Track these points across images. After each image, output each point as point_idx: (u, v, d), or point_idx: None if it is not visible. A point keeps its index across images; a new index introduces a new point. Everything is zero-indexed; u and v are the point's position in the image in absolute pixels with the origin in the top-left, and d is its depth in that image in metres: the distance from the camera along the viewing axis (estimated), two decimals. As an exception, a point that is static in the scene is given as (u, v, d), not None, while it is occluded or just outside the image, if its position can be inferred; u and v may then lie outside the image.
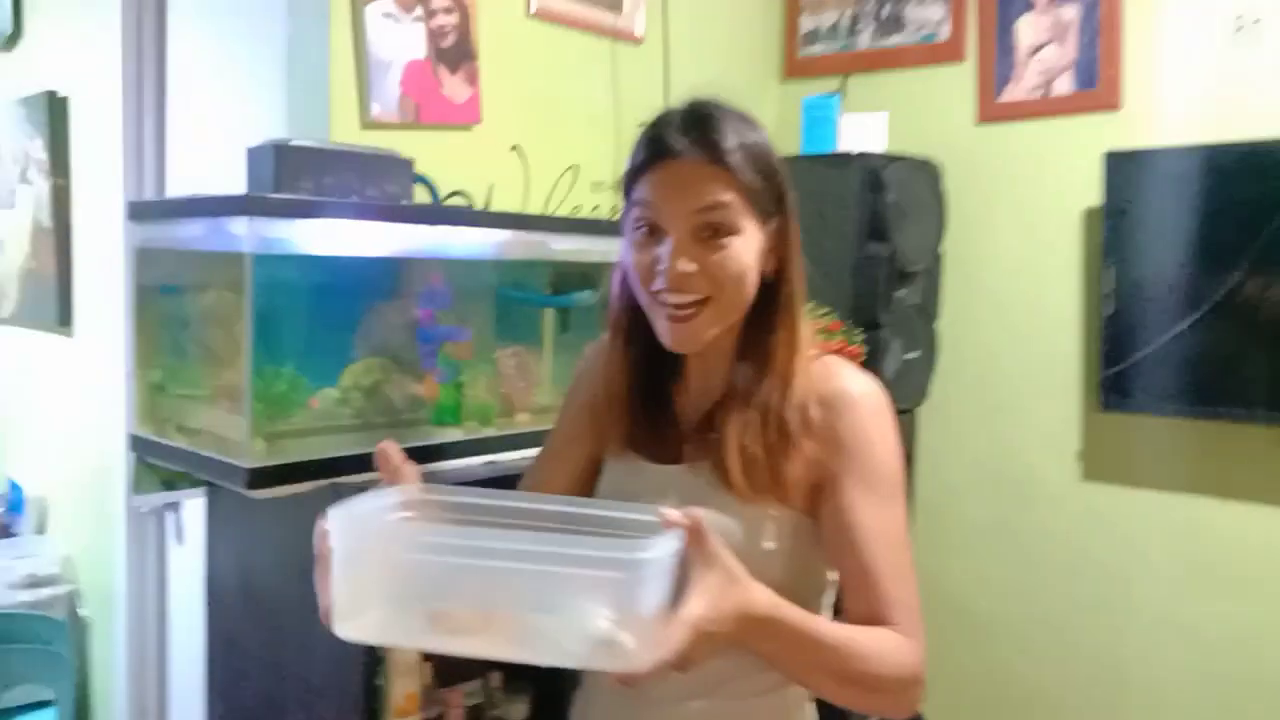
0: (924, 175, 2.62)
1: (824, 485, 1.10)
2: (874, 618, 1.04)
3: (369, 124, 2.01)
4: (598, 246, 1.95)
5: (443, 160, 2.05)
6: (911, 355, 2.66)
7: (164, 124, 2.43)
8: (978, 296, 2.74)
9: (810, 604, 1.08)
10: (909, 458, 2.77)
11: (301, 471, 1.52)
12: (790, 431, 1.09)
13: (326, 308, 1.77)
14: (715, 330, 1.10)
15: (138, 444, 1.69)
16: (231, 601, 1.80)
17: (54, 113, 2.62)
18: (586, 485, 1.25)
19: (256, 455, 1.51)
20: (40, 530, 2.97)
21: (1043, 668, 2.64)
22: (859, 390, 1.12)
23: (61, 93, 2.65)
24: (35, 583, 2.70)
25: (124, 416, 1.76)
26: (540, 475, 1.31)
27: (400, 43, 2.04)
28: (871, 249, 2.49)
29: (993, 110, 2.65)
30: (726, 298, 1.09)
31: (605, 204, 2.41)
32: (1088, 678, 2.59)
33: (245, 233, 1.46)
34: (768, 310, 1.14)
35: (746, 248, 1.09)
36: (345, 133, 1.99)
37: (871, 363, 2.47)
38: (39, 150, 2.66)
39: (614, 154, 2.46)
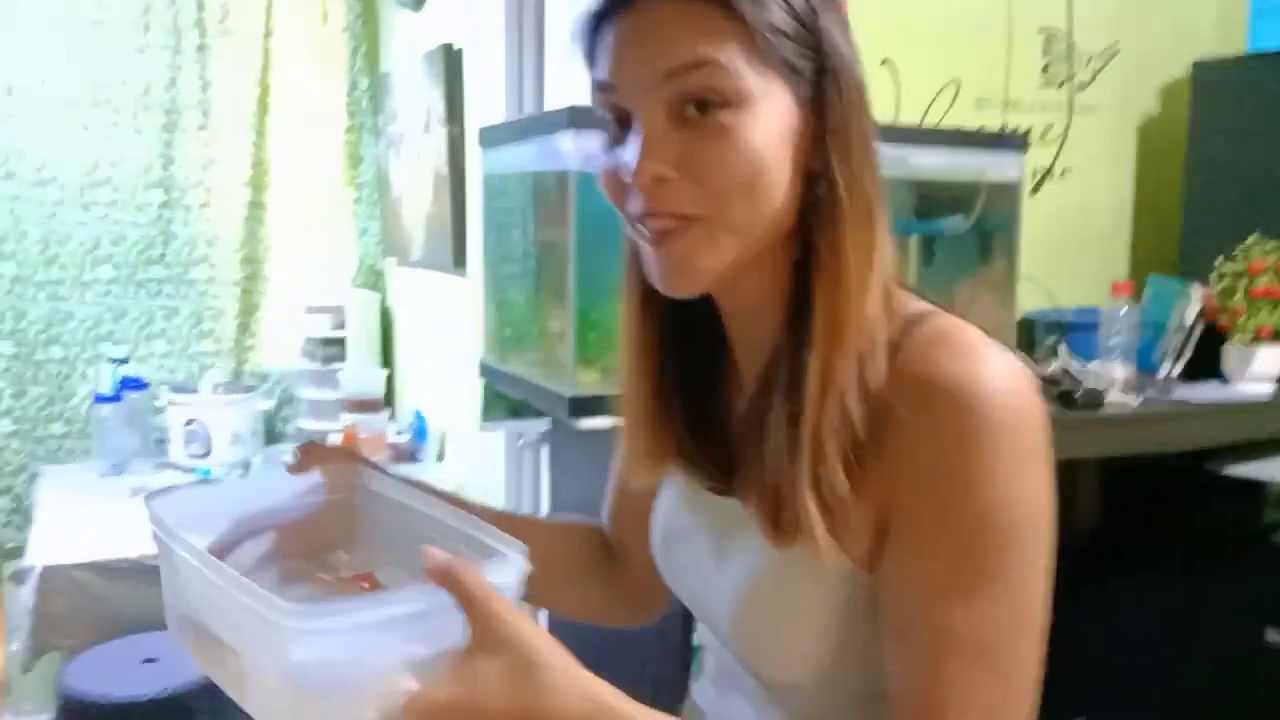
0: None
1: (889, 533, 0.69)
2: None
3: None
4: (972, 162, 1.69)
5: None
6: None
7: (543, 71, 2.47)
8: None
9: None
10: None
11: (625, 402, 1.44)
12: (825, 449, 0.68)
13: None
14: (723, 259, 0.70)
15: (485, 371, 1.71)
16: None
17: (450, 64, 2.77)
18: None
19: (582, 384, 1.45)
20: (440, 458, 3.20)
21: None
22: (966, 381, 0.65)
23: (457, 45, 2.78)
24: (430, 508, 2.90)
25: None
26: (612, 500, 1.03)
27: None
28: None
29: None
30: (731, 210, 0.68)
31: (992, 125, 2.11)
32: None
33: (570, 149, 1.39)
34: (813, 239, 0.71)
35: (758, 127, 0.67)
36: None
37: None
38: (438, 101, 2.82)
39: (1003, 67, 2.15)
